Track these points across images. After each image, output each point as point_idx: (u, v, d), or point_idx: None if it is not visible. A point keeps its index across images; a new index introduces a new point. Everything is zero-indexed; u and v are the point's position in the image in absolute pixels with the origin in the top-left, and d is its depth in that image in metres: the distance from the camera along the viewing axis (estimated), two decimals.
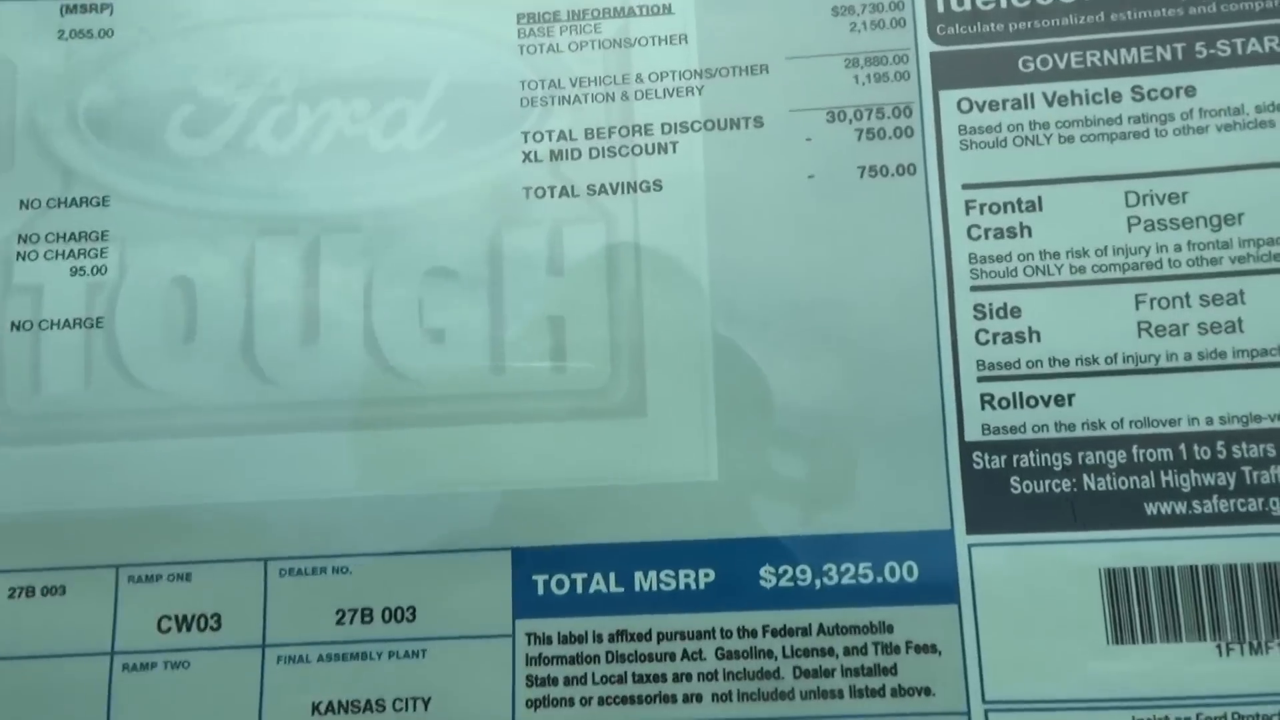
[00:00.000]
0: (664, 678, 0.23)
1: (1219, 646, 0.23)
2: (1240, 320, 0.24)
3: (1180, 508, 0.23)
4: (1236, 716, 0.22)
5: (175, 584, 0.23)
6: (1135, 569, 0.23)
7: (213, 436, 0.24)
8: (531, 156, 0.25)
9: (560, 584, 0.24)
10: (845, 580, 0.23)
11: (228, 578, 0.24)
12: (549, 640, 0.23)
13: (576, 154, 0.25)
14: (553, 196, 0.25)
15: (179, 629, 0.23)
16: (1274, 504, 0.23)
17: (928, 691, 0.23)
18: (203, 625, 0.23)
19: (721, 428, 0.24)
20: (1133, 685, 0.23)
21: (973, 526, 0.23)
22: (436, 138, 0.25)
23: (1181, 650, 0.23)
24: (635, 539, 0.24)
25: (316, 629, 0.23)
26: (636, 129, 0.25)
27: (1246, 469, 0.23)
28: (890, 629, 0.23)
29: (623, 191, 0.25)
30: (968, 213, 0.25)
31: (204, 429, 0.24)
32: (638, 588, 0.23)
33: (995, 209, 0.25)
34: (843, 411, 0.24)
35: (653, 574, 0.24)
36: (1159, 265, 0.24)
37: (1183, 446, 0.23)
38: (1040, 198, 0.24)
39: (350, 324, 0.24)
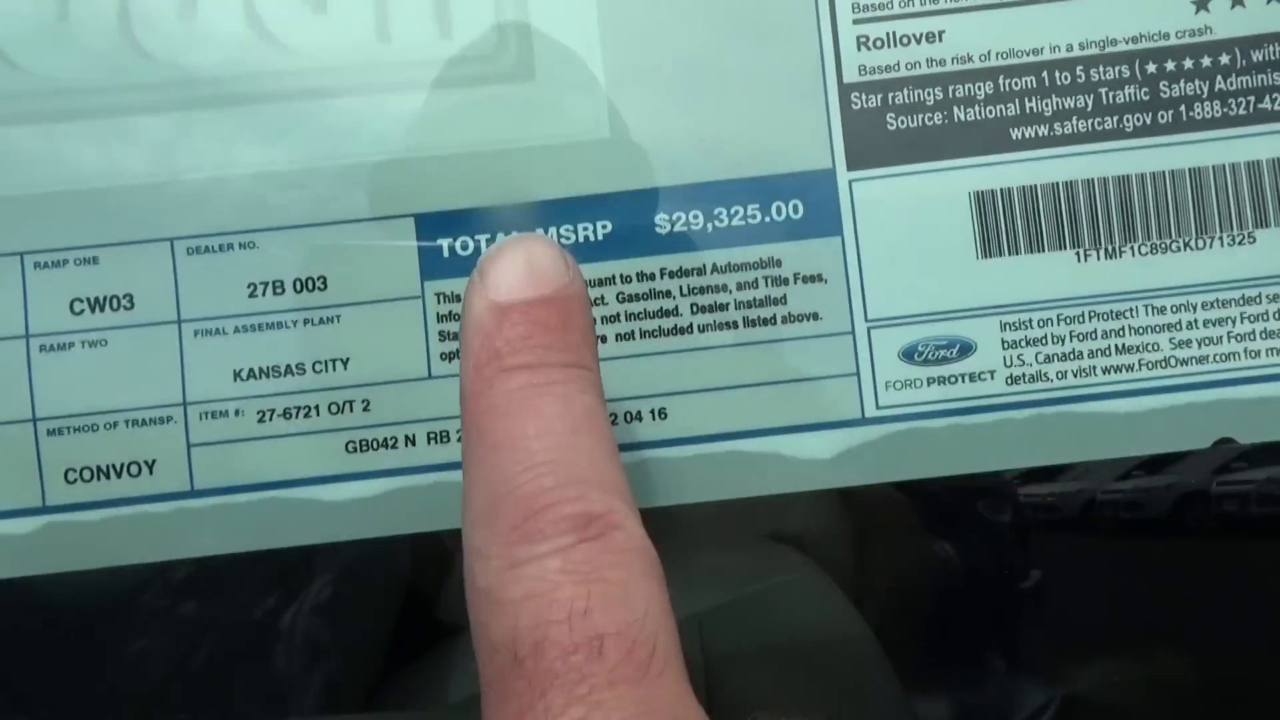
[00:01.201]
0: None
1: (1078, 254, 0.25)
2: None
3: (1043, 130, 0.25)
4: (1092, 313, 0.25)
5: (83, 268, 0.24)
6: (1002, 189, 0.25)
7: (100, 118, 0.24)
8: None
9: (464, 245, 0.24)
10: (735, 222, 0.25)
11: (135, 259, 0.24)
12: (456, 298, 0.24)
13: None
14: None
15: (92, 310, 0.24)
16: (1127, 121, 0.25)
17: (815, 316, 0.25)
18: (115, 305, 0.24)
19: (610, 86, 0.25)
20: (1000, 294, 0.25)
21: (853, 163, 0.25)
22: None
23: (1044, 260, 0.25)
24: (534, 198, 0.24)
25: (229, 303, 0.24)
26: None
27: (1103, 90, 0.25)
28: (779, 263, 0.25)
29: None
30: None
31: (91, 111, 0.24)
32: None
33: None
34: (726, 63, 0.25)
35: (553, 229, 0.25)
36: None
37: (1045, 73, 0.25)
38: None
39: None
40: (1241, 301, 0.25)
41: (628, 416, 0.24)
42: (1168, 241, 0.25)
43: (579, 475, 0.18)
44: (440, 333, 0.24)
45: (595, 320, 0.24)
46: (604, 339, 0.24)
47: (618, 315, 0.25)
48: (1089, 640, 0.30)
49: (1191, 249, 0.25)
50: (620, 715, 0.16)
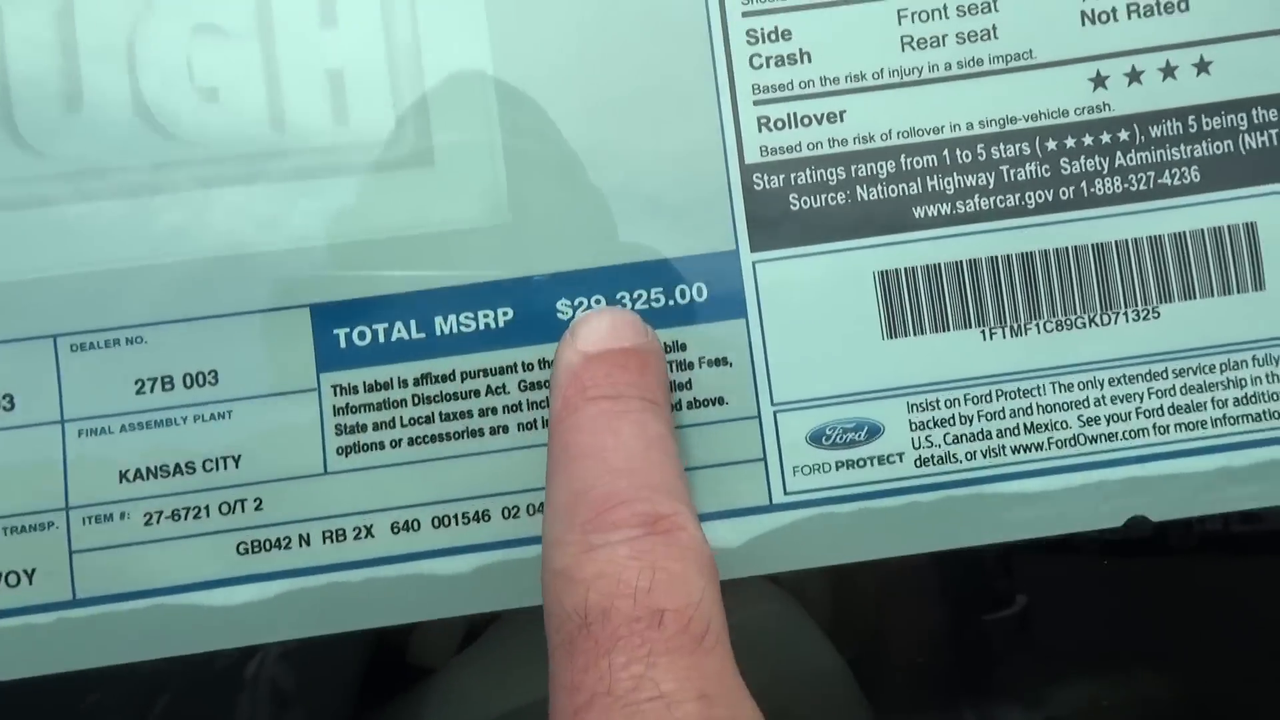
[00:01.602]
0: (470, 414, 0.24)
1: (983, 332, 0.25)
2: (995, 28, 0.25)
3: (945, 209, 0.25)
4: (999, 392, 0.24)
5: None
6: (906, 269, 0.24)
7: None
8: None
9: (362, 335, 0.24)
10: (639, 306, 0.24)
11: (16, 357, 0.23)
12: (354, 390, 0.24)
13: None
14: None
15: None
16: (1029, 198, 0.25)
17: (721, 401, 0.24)
18: None
19: (511, 171, 0.24)
20: (907, 374, 0.24)
21: (756, 244, 0.24)
22: None
23: (949, 339, 0.24)
24: (435, 285, 0.24)
25: (116, 400, 0.23)
26: None
27: (1004, 168, 0.25)
28: (684, 347, 0.24)
29: None
30: None
31: None
32: (439, 332, 0.24)
33: None
34: (627, 146, 0.24)
35: (453, 317, 0.24)
36: None
37: (946, 152, 0.25)
38: None
39: (115, 88, 0.23)
40: (1148, 377, 0.25)
41: (530, 509, 0.24)
42: (1073, 318, 0.25)
43: (650, 483, 0.21)
44: (337, 426, 0.24)
45: (496, 410, 0.24)
46: (504, 429, 0.24)
47: (519, 404, 0.24)
48: (1072, 663, 0.30)
49: (1097, 325, 0.25)
50: (673, 676, 0.19)
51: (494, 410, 0.24)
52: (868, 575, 0.31)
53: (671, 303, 0.24)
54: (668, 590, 0.19)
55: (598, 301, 0.24)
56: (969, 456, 0.24)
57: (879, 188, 0.25)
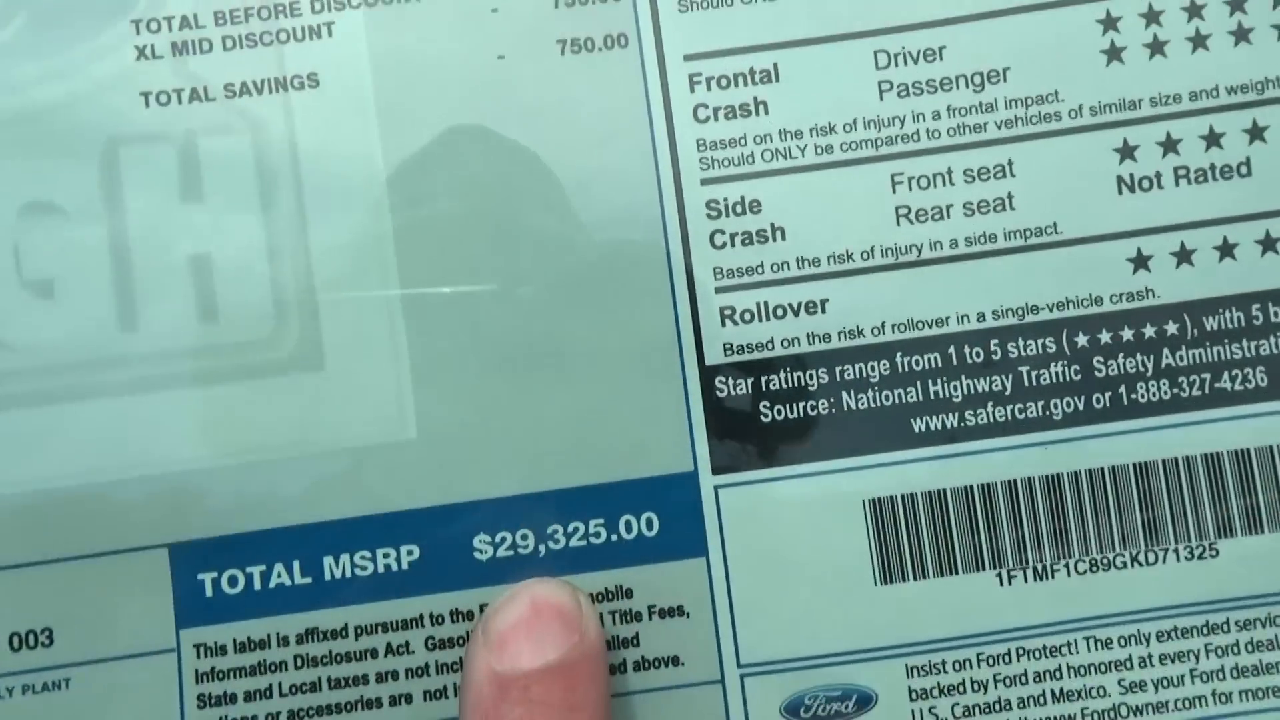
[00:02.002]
0: (366, 679, 0.19)
1: (999, 575, 0.20)
2: (1010, 196, 0.20)
3: (951, 420, 0.20)
4: (1020, 651, 0.20)
5: None
6: (904, 496, 0.20)
7: None
8: (148, 52, 0.20)
9: (233, 581, 0.20)
10: (574, 542, 0.20)
11: None
12: (223, 650, 0.19)
13: (207, 45, 0.20)
14: (180, 102, 0.20)
15: None
16: (1055, 407, 0.20)
17: (675, 661, 0.20)
18: None
19: (417, 374, 0.20)
20: (905, 629, 0.20)
21: (719, 465, 0.20)
22: (14, 35, 0.20)
23: (958, 584, 0.20)
24: (321, 518, 0.20)
25: None
26: (280, 9, 0.20)
27: (1025, 369, 0.20)
28: (629, 594, 0.20)
29: (270, 90, 0.20)
30: (692, 89, 0.20)
31: None
32: (328, 576, 0.19)
33: (724, 83, 0.20)
34: (561, 343, 0.20)
35: (345, 558, 0.20)
36: (916, 137, 0.20)
37: (952, 350, 0.20)
38: (776, 65, 0.20)
39: None
40: (1205, 630, 0.20)
41: None
42: (1111, 556, 0.20)
43: None
44: (200, 696, 0.19)
45: (398, 675, 0.19)
46: (408, 699, 0.19)
47: (425, 667, 0.20)
48: None
49: (1140, 565, 0.20)
50: None
51: (395, 675, 0.19)
52: None
53: (615, 538, 0.20)
54: None
55: (524, 538, 0.20)
56: None
57: (870, 395, 0.20)
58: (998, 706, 0.20)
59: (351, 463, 0.20)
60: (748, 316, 0.20)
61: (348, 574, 0.20)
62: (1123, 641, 0.20)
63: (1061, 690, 0.20)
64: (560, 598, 0.18)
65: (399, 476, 0.20)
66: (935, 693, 0.20)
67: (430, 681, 0.19)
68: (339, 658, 0.19)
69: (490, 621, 0.18)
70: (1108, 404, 0.20)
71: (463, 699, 0.18)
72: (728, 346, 0.20)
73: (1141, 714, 0.20)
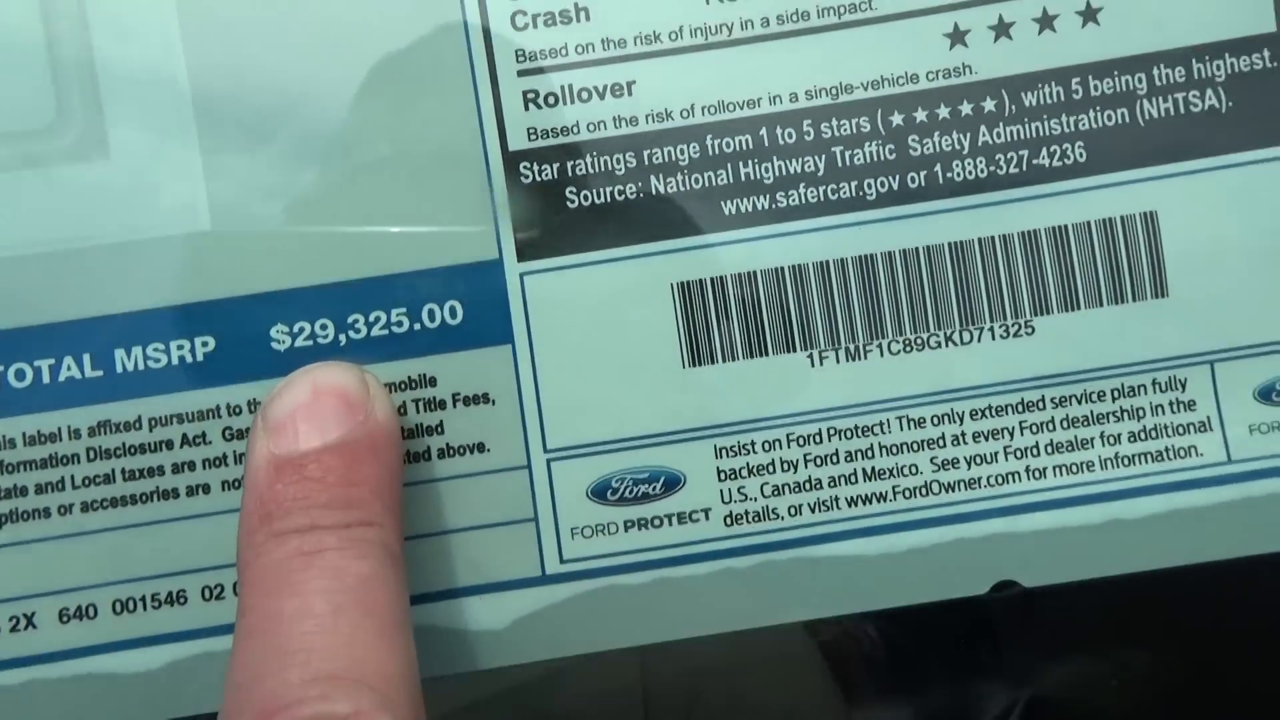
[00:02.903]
0: (161, 470, 0.19)
1: (811, 357, 0.20)
2: None
3: (763, 202, 0.20)
4: (831, 431, 0.20)
5: None
6: (713, 279, 0.20)
7: None
8: None
9: (20, 375, 0.19)
10: (376, 331, 0.19)
11: None
12: (11, 444, 0.19)
13: None
14: None
15: None
16: (869, 187, 0.20)
17: (481, 448, 0.19)
18: None
19: (209, 165, 0.19)
20: (714, 411, 0.19)
21: (524, 252, 0.19)
22: None
23: (768, 366, 0.19)
24: (111, 310, 0.19)
25: None
26: None
27: (838, 149, 0.20)
28: (433, 382, 0.19)
29: None
30: None
31: None
32: (120, 368, 0.19)
33: None
34: (359, 130, 0.19)
35: (137, 350, 0.19)
36: None
37: (764, 131, 0.20)
38: None
39: None
40: (1020, 408, 0.20)
41: (207, 593, 0.19)
42: (925, 336, 0.20)
43: (332, 669, 0.16)
44: None
45: (195, 465, 0.19)
46: (205, 488, 0.19)
47: (224, 457, 0.19)
48: (1061, 640, 0.28)
49: (955, 344, 0.20)
50: None
51: (191, 465, 0.19)
52: None
53: (418, 326, 0.19)
54: None
55: (323, 327, 0.19)
56: (793, 512, 0.20)
57: (679, 178, 0.20)
58: (808, 485, 0.19)
59: (142, 255, 0.19)
60: (552, 100, 0.20)
61: (140, 366, 0.19)
62: (935, 420, 0.20)
63: (873, 469, 0.19)
64: (344, 380, 0.18)
65: (192, 268, 0.19)
66: (744, 473, 0.19)
67: (228, 472, 0.19)
68: (133, 449, 0.19)
69: (269, 407, 0.18)
70: (923, 183, 0.20)
71: (244, 486, 0.17)
72: (532, 131, 0.19)
73: (953, 490, 0.19)
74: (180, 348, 0.19)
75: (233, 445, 0.19)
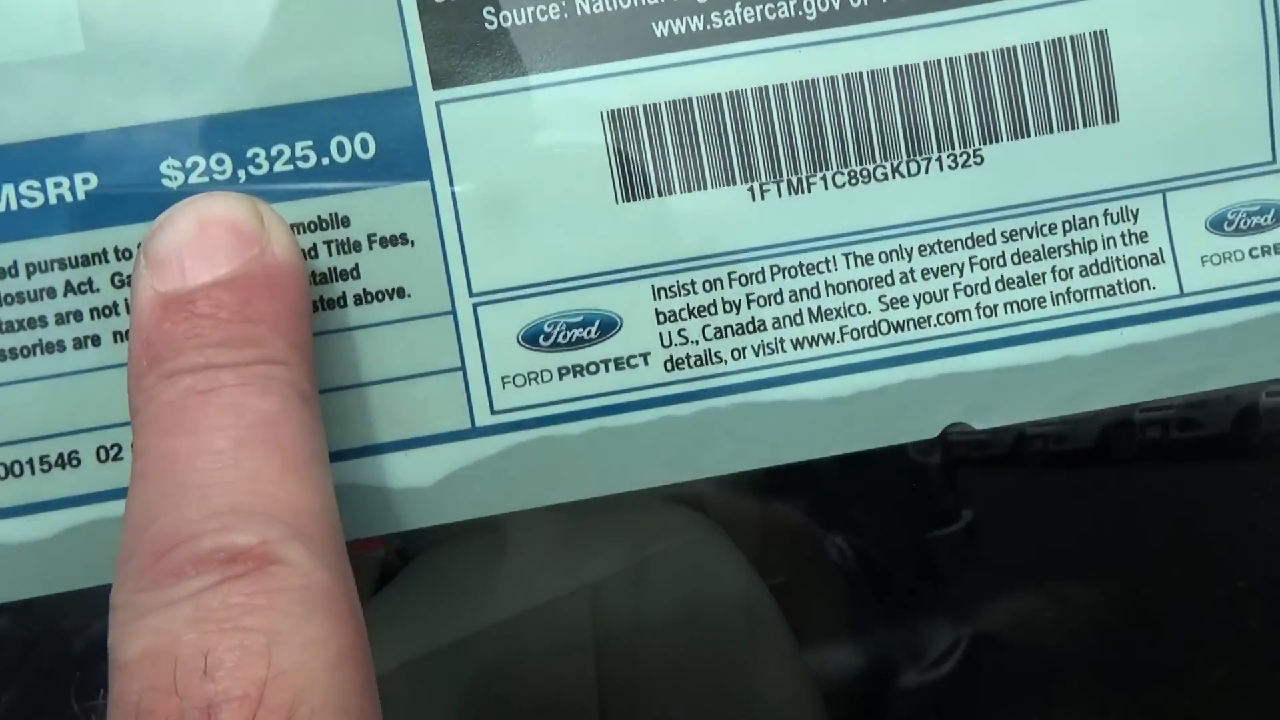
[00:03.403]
0: (43, 321, 0.17)
1: (751, 190, 0.18)
2: None
3: (697, 23, 0.18)
4: (775, 269, 0.18)
5: None
6: (646, 106, 0.18)
7: None
8: None
9: None
10: (279, 167, 0.18)
11: None
12: None
13: None
14: None
15: None
16: (808, 6, 0.19)
17: (400, 293, 0.18)
18: None
19: None
20: (650, 249, 0.18)
21: (441, 79, 0.18)
22: None
23: (706, 200, 0.18)
24: None
25: None
26: None
27: None
28: (346, 222, 0.18)
29: None
30: None
31: None
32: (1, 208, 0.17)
33: None
34: None
35: (8, 189, 0.17)
36: None
37: None
38: None
39: None
40: (970, 242, 0.19)
41: (103, 453, 0.17)
42: (870, 168, 0.18)
43: (234, 503, 0.15)
44: None
45: (81, 315, 0.17)
46: (96, 340, 0.17)
47: (113, 306, 0.17)
48: (1014, 577, 0.31)
49: (902, 176, 0.19)
50: None
51: (77, 315, 0.17)
52: (798, 498, 0.30)
53: (326, 161, 0.18)
54: (238, 666, 0.14)
55: (219, 162, 0.17)
56: (735, 355, 0.19)
57: None
58: (751, 327, 0.18)
59: (6, 80, 0.17)
60: None
61: (13, 206, 0.17)
62: (884, 257, 0.19)
63: (819, 309, 0.18)
64: (234, 211, 0.16)
65: (65, 95, 0.17)
66: (684, 314, 0.18)
67: (119, 322, 0.17)
68: (9, 299, 0.17)
69: (151, 242, 0.16)
70: (865, 3, 0.19)
71: (130, 329, 0.16)
72: None
73: (903, 329, 0.19)
74: (58, 185, 0.17)
75: (122, 293, 0.17)
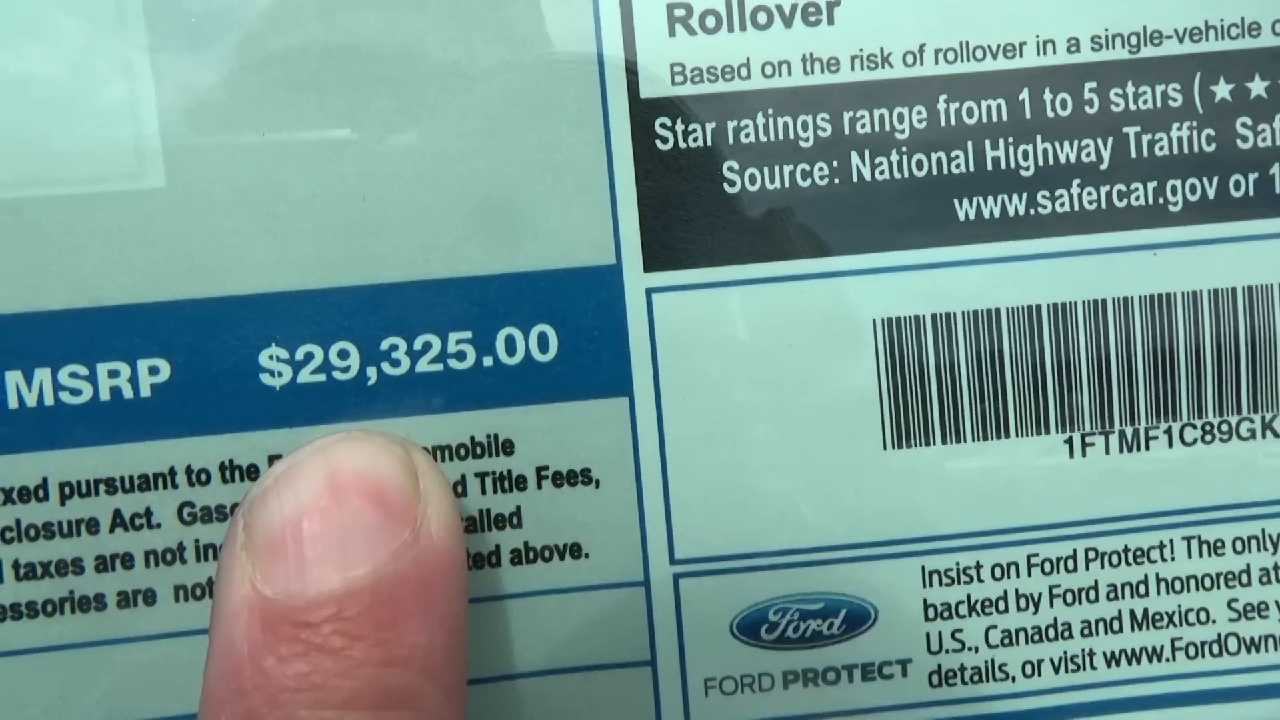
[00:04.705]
0: (79, 566, 0.12)
1: (1070, 442, 0.13)
2: None
3: (1018, 204, 0.13)
4: (1091, 553, 0.13)
5: None
6: (937, 315, 0.13)
7: None
8: None
9: None
10: (424, 366, 0.12)
11: None
12: None
13: None
14: None
15: None
16: (1171, 192, 0.13)
17: (576, 551, 0.13)
18: None
19: (163, 96, 0.12)
20: (923, 515, 0.13)
21: (657, 258, 0.13)
22: None
23: (1008, 451, 0.13)
24: (24, 308, 0.12)
25: None
26: None
27: (1132, 131, 0.13)
28: (508, 448, 0.13)
29: None
30: None
31: None
32: (15, 403, 0.12)
33: None
34: (416, 65, 0.13)
35: (43, 376, 0.12)
36: None
37: (1025, 95, 0.13)
38: None
39: None
40: None
41: None
42: (1234, 421, 0.13)
43: None
44: None
45: (140, 560, 0.12)
46: (151, 597, 0.13)
47: (177, 550, 0.13)
48: None
49: (1275, 435, 0.14)
50: None
51: (128, 560, 0.13)
52: None
53: (489, 360, 0.13)
54: None
55: (343, 355, 0.13)
56: (1029, 671, 0.14)
57: (894, 158, 0.13)
58: (1052, 633, 0.13)
59: (75, 213, 0.12)
60: (712, 22, 0.13)
61: (48, 400, 0.12)
62: (1239, 546, 0.13)
63: (1146, 613, 0.13)
64: (380, 467, 0.11)
65: (132, 246, 0.12)
66: (963, 610, 0.13)
67: (185, 572, 0.12)
68: (33, 532, 0.12)
69: (257, 510, 0.11)
70: (1250, 191, 0.13)
71: (211, 636, 0.11)
72: (678, 70, 0.13)
73: (1258, 649, 0.13)
74: (114, 375, 0.12)
75: (193, 531, 0.12)
